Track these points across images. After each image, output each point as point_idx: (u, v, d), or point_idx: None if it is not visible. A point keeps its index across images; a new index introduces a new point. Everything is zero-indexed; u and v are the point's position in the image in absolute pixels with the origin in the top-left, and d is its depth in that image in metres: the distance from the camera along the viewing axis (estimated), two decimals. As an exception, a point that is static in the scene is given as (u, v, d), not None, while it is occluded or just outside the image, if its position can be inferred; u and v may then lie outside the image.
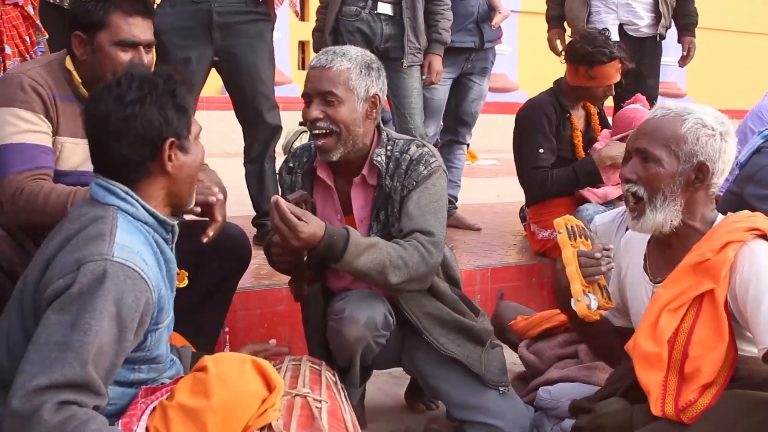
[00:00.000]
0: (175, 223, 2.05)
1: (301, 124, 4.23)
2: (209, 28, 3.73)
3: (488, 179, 7.47)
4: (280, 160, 4.16)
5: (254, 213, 4.16)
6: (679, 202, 2.18)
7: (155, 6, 3.83)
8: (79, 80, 2.55)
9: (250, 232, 4.14)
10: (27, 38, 3.36)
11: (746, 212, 2.22)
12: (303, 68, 10.17)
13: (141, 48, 2.52)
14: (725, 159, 2.17)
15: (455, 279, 2.77)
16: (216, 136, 6.63)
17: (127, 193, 1.94)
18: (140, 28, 2.50)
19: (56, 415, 1.66)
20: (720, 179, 2.19)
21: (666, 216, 2.18)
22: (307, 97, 2.53)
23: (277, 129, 3.97)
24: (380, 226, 2.60)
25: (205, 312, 2.79)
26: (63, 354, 1.70)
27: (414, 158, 2.56)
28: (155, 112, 1.92)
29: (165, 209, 2.03)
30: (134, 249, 1.86)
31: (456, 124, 4.83)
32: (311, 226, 2.33)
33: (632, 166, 2.23)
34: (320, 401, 2.10)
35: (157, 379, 2.04)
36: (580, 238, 2.33)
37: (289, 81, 9.40)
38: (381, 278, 2.43)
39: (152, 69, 2.41)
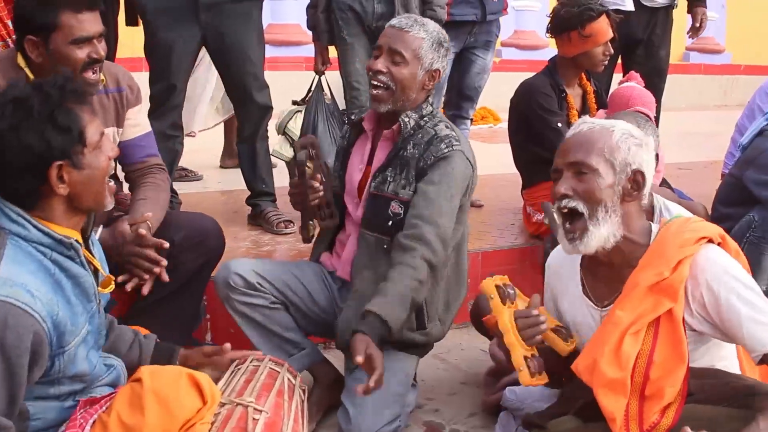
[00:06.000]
0: (73, 240, 1.95)
1: (294, 103, 4.15)
2: (195, 9, 3.68)
3: (507, 144, 7.29)
4: (273, 141, 4.17)
5: (248, 192, 4.15)
6: (619, 214, 2.10)
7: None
8: (32, 77, 2.53)
9: (245, 210, 4.15)
10: (9, 23, 3.34)
11: (682, 218, 2.17)
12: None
13: (94, 41, 2.51)
14: (650, 169, 2.13)
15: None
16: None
17: (18, 214, 1.87)
18: (91, 22, 2.49)
19: None
20: (647, 191, 2.14)
21: (609, 229, 2.08)
22: (378, 49, 2.71)
23: (267, 109, 3.93)
24: (379, 181, 2.72)
25: (181, 301, 2.84)
26: None
27: (439, 135, 2.68)
28: (34, 138, 1.82)
29: (74, 218, 1.96)
30: (17, 281, 1.79)
31: (459, 98, 4.73)
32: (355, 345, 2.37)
33: (566, 181, 2.10)
34: (260, 411, 2.08)
35: (88, 389, 2.03)
36: (515, 293, 2.26)
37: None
38: (415, 306, 2.59)
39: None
